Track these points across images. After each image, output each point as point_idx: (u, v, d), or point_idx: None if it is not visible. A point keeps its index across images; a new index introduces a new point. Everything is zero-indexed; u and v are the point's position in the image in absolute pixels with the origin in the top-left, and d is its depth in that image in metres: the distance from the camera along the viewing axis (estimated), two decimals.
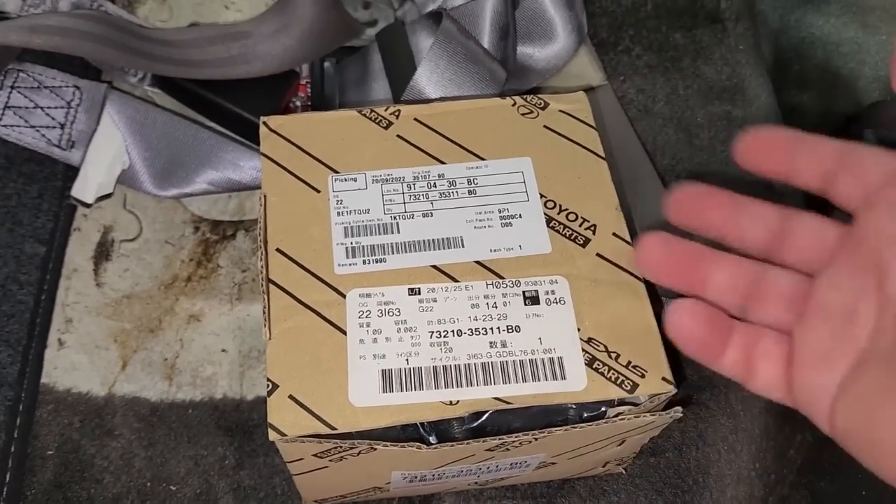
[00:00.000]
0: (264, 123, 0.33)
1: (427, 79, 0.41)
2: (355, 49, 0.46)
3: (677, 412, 0.28)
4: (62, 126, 0.39)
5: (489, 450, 0.28)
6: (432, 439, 0.28)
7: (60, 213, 0.39)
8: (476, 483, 0.33)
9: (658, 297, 0.41)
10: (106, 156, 0.39)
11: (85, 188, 0.39)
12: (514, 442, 0.27)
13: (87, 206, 0.39)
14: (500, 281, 0.30)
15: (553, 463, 0.31)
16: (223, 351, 0.38)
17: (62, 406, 0.36)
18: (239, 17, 0.47)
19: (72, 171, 0.40)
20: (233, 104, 0.43)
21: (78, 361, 0.37)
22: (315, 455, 0.27)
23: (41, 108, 0.39)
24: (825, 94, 0.55)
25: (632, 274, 0.30)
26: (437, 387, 0.27)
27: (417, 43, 0.45)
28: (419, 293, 0.29)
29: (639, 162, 0.44)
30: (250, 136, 0.41)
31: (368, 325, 0.29)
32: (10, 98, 0.39)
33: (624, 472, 0.35)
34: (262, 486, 0.35)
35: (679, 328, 0.25)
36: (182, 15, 0.47)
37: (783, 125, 0.49)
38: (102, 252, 0.40)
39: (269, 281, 0.29)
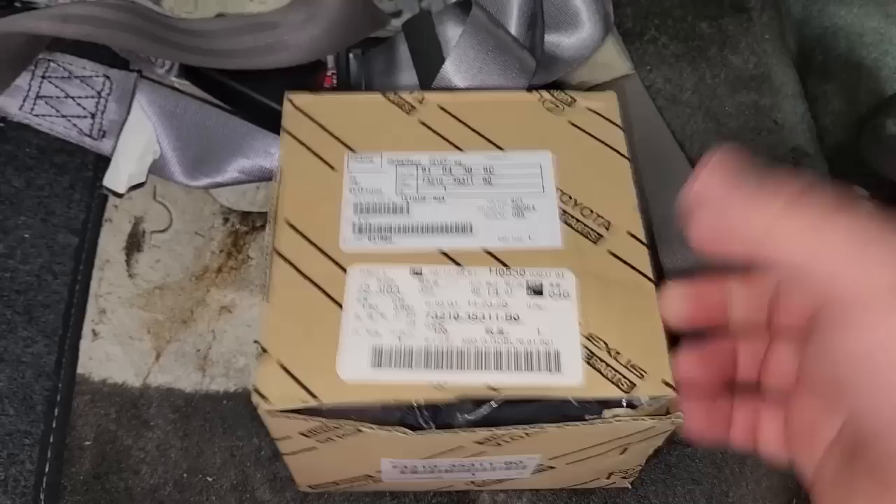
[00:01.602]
0: (289, 100, 0.33)
1: (456, 68, 0.41)
2: (381, 40, 0.46)
3: (678, 418, 0.27)
4: (93, 115, 0.39)
5: (479, 442, 0.27)
6: (430, 427, 0.27)
7: (92, 204, 0.39)
8: (472, 483, 0.33)
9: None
10: (137, 145, 0.39)
11: (117, 178, 0.39)
12: (504, 436, 0.27)
13: (119, 195, 0.39)
14: (505, 269, 0.29)
15: (552, 467, 0.31)
16: (255, 342, 0.38)
17: (98, 397, 0.35)
18: (262, 8, 0.47)
19: (103, 161, 0.39)
20: (259, 94, 0.42)
21: (112, 352, 0.37)
22: (302, 433, 0.27)
23: (72, 97, 0.39)
24: (848, 84, 0.55)
25: (643, 274, 0.29)
26: (427, 367, 0.27)
27: (444, 32, 0.45)
28: (421, 274, 0.29)
29: (669, 151, 0.44)
30: (277, 125, 0.41)
31: (366, 300, 0.28)
32: (42, 87, 0.39)
33: (630, 486, 0.35)
34: None
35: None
36: (207, 5, 0.47)
37: (808, 113, 0.49)
38: (134, 243, 0.40)
39: (275, 251, 0.29)
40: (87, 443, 0.34)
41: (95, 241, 0.39)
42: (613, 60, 0.47)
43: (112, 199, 0.40)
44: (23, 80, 0.38)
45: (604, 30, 0.46)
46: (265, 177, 0.41)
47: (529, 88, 0.37)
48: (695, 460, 0.38)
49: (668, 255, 0.39)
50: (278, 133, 0.41)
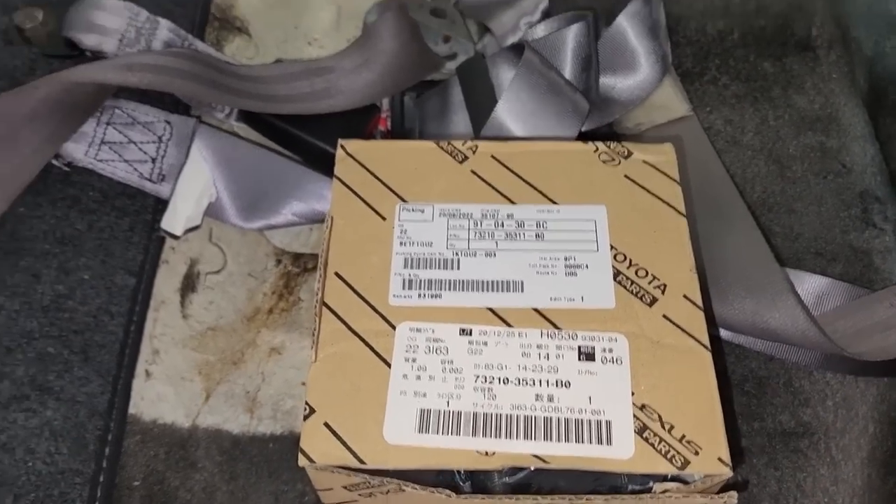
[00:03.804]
0: (342, 146, 0.33)
1: (508, 111, 0.41)
2: (436, 82, 0.46)
3: (732, 497, 0.25)
4: (153, 160, 0.40)
5: None
6: (466, 487, 0.27)
7: (150, 246, 0.40)
8: None
9: (725, 371, 0.38)
10: (194, 189, 0.40)
11: (174, 220, 0.40)
12: (547, 503, 0.26)
13: (176, 237, 0.40)
14: (557, 332, 0.28)
15: None
16: (303, 384, 0.38)
17: (148, 437, 0.36)
18: (321, 53, 0.48)
19: (161, 205, 0.41)
20: (315, 138, 0.43)
21: (164, 392, 0.37)
22: (344, 487, 0.27)
23: (134, 142, 0.40)
24: None
25: (699, 341, 0.28)
26: (474, 434, 0.26)
27: (498, 76, 0.44)
28: (470, 334, 0.28)
29: (727, 196, 0.43)
30: (331, 168, 0.42)
31: (414, 360, 0.28)
32: (107, 133, 0.40)
33: None
34: None
35: None
36: (267, 52, 0.48)
37: (880, 155, 0.47)
38: (189, 284, 0.41)
39: (324, 304, 0.29)
40: (136, 483, 0.35)
41: (152, 283, 0.40)
42: (671, 101, 0.46)
43: (169, 241, 0.41)
44: (89, 126, 0.40)
45: (661, 71, 0.45)
46: (318, 219, 0.41)
47: (584, 136, 0.36)
48: None
49: (722, 304, 0.38)
50: (332, 176, 0.42)
